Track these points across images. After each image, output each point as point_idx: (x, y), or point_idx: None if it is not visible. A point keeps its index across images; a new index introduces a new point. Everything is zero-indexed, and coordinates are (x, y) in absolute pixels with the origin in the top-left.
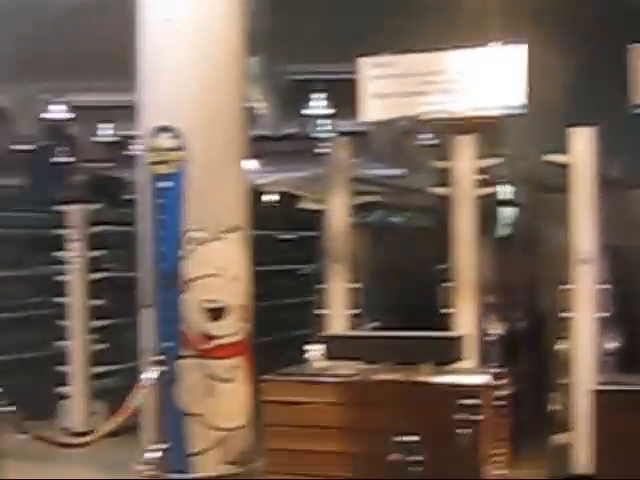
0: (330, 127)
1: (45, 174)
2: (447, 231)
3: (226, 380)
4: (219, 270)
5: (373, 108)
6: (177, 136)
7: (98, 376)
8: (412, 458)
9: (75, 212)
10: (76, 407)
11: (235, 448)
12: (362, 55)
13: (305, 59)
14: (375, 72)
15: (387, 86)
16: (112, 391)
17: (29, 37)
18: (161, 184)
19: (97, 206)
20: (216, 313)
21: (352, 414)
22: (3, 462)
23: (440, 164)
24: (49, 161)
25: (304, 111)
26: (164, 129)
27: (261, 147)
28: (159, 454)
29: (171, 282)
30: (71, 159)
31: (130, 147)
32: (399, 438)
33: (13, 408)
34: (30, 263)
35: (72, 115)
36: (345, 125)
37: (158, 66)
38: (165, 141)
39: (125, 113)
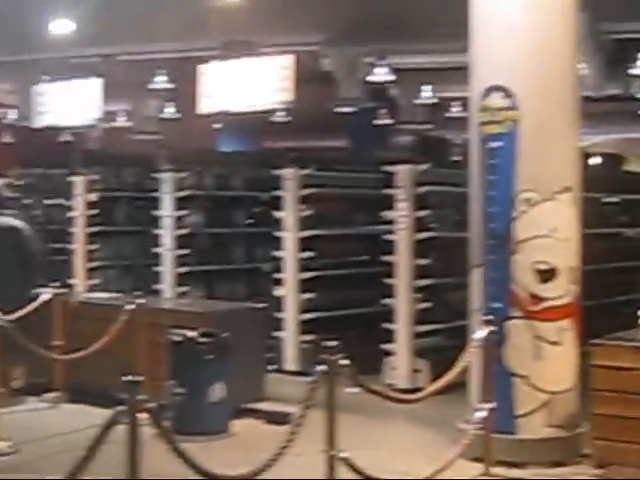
0: None
1: (367, 136)
2: None
3: (554, 343)
4: (550, 231)
5: None
6: (509, 96)
7: (422, 334)
8: None
9: (403, 172)
10: (400, 364)
11: (561, 411)
12: None
13: (632, 17)
14: None
15: None
16: (435, 350)
17: (354, 3)
18: (492, 144)
19: (424, 167)
20: (546, 275)
21: None
22: (336, 414)
23: None
24: (371, 123)
25: (630, 71)
26: (496, 89)
27: (584, 108)
28: (485, 414)
29: (501, 243)
30: (392, 121)
31: (450, 109)
32: None
33: (348, 362)
34: (358, 222)
35: (394, 77)
36: None
37: (490, 27)
38: (497, 101)
39: (444, 75)
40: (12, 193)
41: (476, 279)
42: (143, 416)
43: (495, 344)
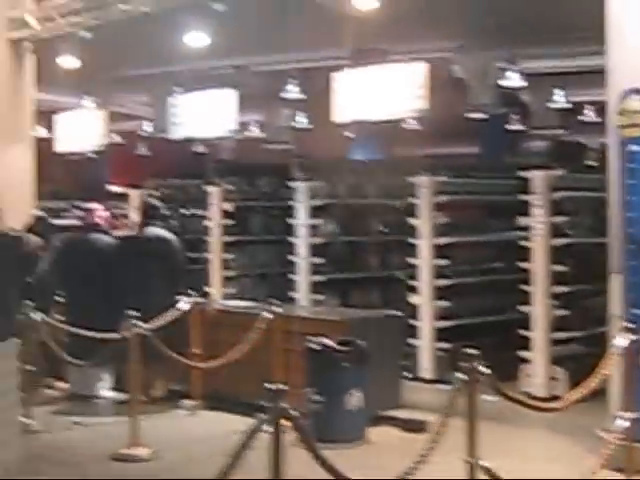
0: None
1: (499, 142)
2: None
3: None
4: None
5: None
6: None
7: (559, 342)
8: None
9: (538, 178)
10: (537, 372)
11: None
12: None
13: None
14: None
15: None
16: (573, 357)
17: (484, 9)
18: (631, 148)
19: (560, 172)
20: None
21: None
22: (477, 422)
23: None
24: (503, 129)
25: None
26: (635, 91)
27: None
28: (627, 423)
29: None
30: (524, 127)
31: (583, 113)
32: None
33: (488, 369)
34: (492, 229)
35: (525, 82)
36: None
37: (628, 33)
38: (635, 104)
39: (577, 79)
40: (156, 203)
41: (615, 285)
42: (285, 424)
43: (636, 351)
